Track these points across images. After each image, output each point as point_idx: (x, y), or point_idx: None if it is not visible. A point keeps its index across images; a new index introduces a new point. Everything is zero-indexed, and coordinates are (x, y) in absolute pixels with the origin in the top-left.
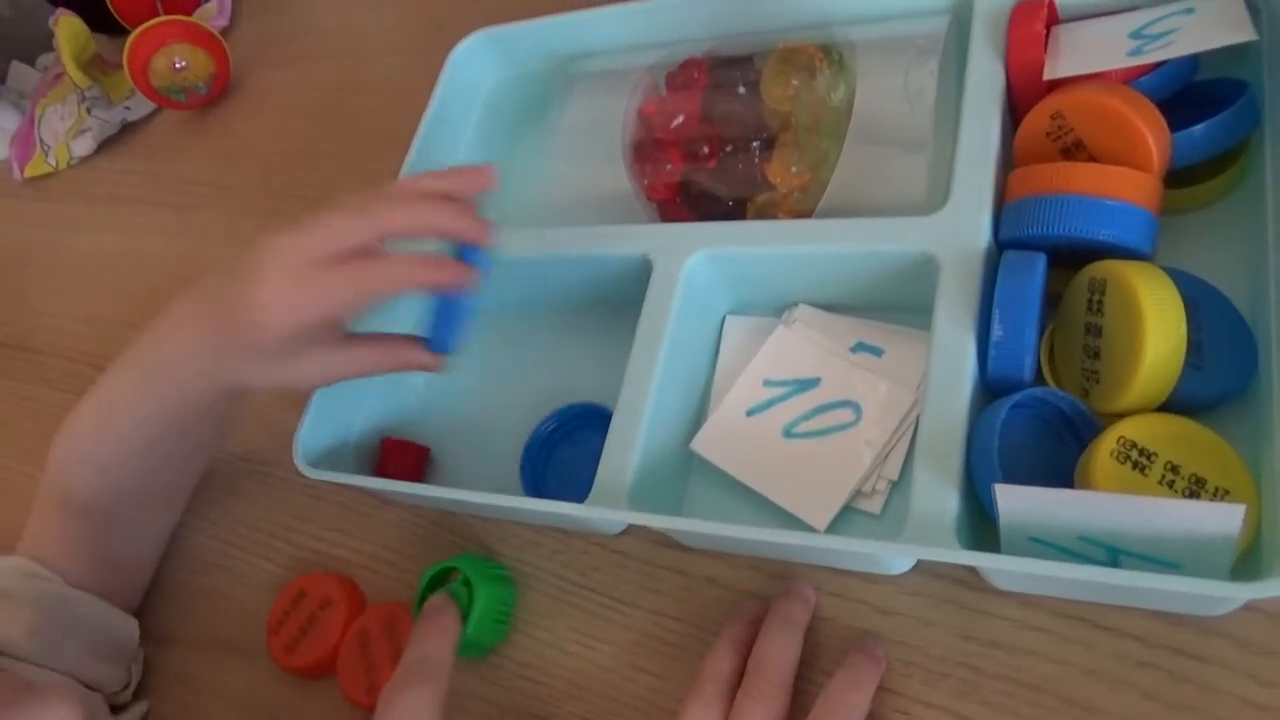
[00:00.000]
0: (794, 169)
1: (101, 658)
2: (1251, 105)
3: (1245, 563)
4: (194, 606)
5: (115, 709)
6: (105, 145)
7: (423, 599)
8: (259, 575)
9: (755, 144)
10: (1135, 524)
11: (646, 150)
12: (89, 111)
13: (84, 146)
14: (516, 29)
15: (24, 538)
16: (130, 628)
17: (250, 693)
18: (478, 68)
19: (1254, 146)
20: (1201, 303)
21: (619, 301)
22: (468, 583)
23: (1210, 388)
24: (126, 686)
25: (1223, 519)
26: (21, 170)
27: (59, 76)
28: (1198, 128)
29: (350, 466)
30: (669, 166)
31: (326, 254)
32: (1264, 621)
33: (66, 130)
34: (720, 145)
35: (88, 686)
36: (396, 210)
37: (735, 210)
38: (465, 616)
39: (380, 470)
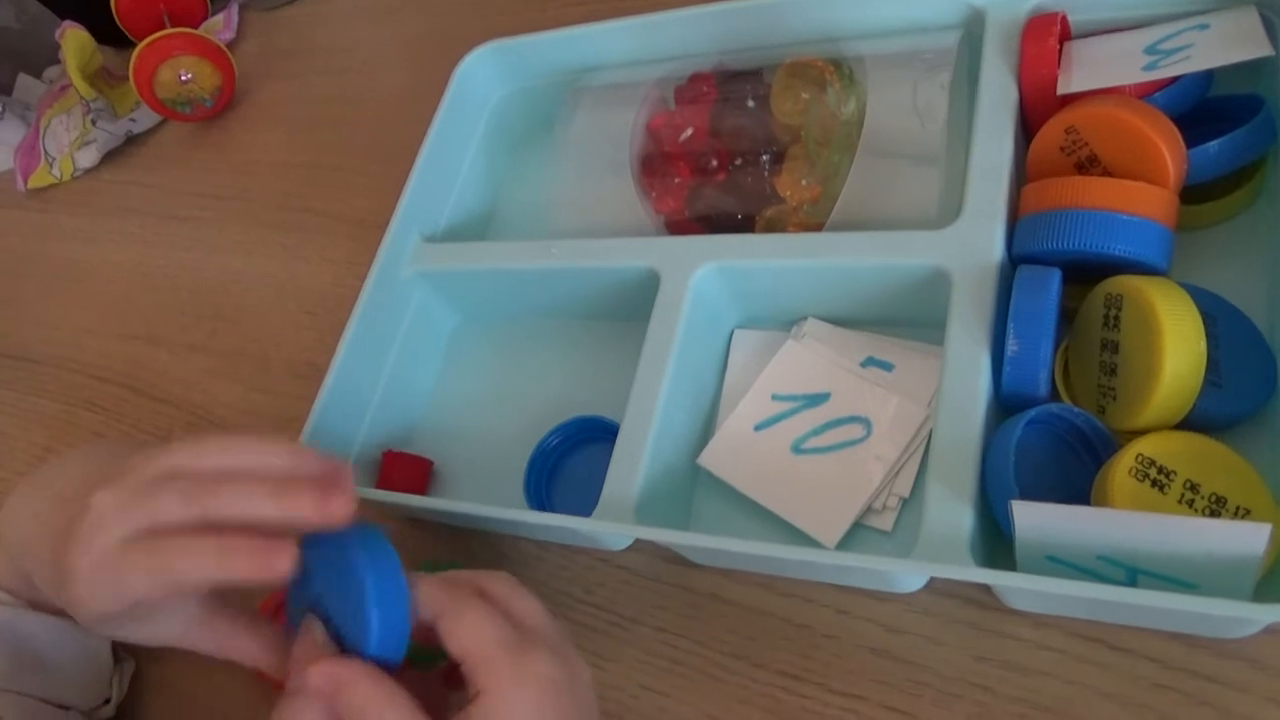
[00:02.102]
0: (804, 182)
1: (71, 677)
2: (1268, 122)
3: (1265, 585)
4: None
5: None
6: (110, 157)
7: None
8: (257, 591)
9: (764, 157)
10: (1157, 543)
11: (655, 164)
12: (94, 123)
13: (88, 158)
14: (524, 42)
15: None
16: (100, 646)
17: (239, 705)
18: (484, 80)
19: (1270, 162)
20: (1219, 320)
21: (626, 314)
22: None
23: (1229, 406)
24: (107, 701)
25: (1248, 539)
26: (25, 181)
27: (65, 88)
28: (1213, 144)
29: (352, 480)
30: (677, 180)
31: (139, 532)
32: None
33: (71, 142)
34: (729, 159)
35: (61, 706)
36: (229, 497)
37: (744, 224)
38: None
39: (382, 484)
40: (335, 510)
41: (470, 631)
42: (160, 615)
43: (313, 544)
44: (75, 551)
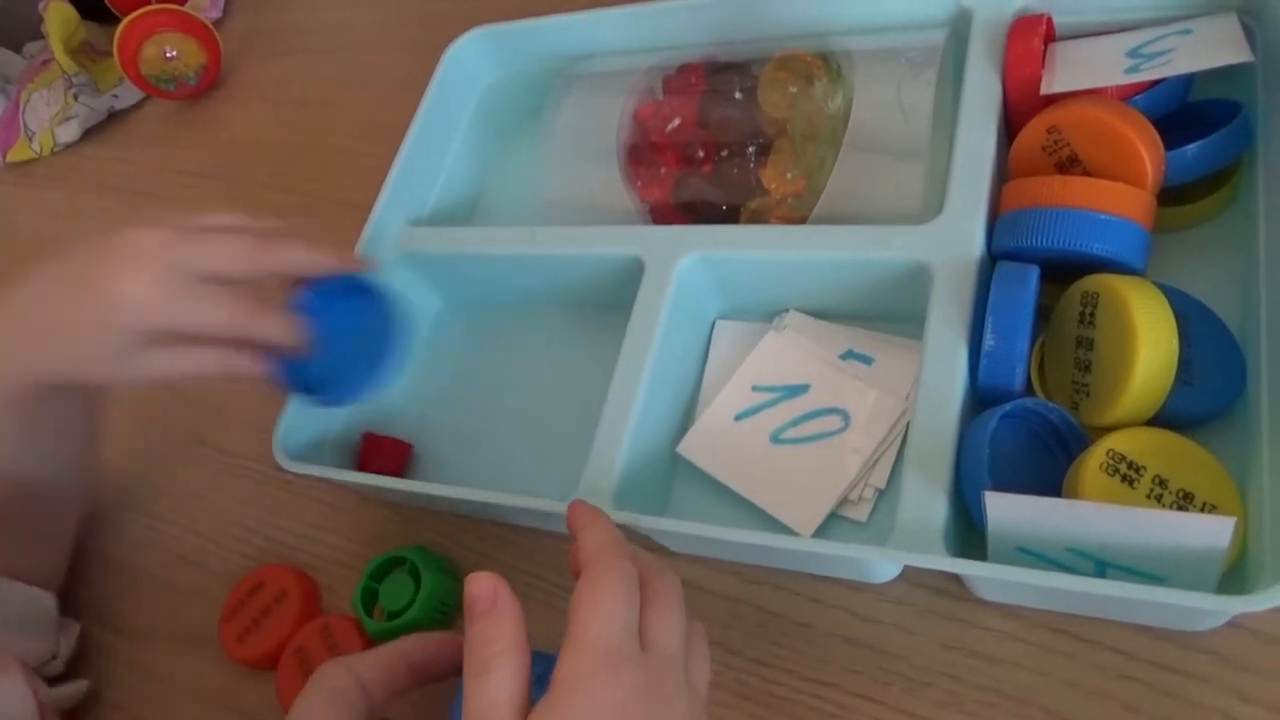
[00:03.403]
0: (789, 175)
1: (15, 635)
2: (1245, 126)
3: (1229, 580)
4: (165, 600)
5: (51, 681)
6: (91, 133)
7: (365, 587)
8: (232, 571)
9: (751, 149)
10: (1125, 535)
11: (641, 153)
12: (76, 98)
13: (69, 133)
14: (514, 27)
15: None
16: (46, 601)
17: (215, 686)
18: (474, 65)
19: (1246, 167)
20: (1192, 319)
21: (610, 302)
22: (415, 572)
23: (1199, 404)
24: (55, 658)
25: (1213, 532)
26: (3, 155)
27: (46, 62)
28: (1191, 147)
29: (330, 461)
30: (663, 170)
31: (210, 271)
32: (1247, 638)
33: (52, 116)
34: (715, 150)
35: None
36: (278, 252)
37: (729, 215)
38: (410, 604)
39: (361, 466)
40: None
41: (586, 608)
42: (146, 351)
43: None
44: (123, 274)
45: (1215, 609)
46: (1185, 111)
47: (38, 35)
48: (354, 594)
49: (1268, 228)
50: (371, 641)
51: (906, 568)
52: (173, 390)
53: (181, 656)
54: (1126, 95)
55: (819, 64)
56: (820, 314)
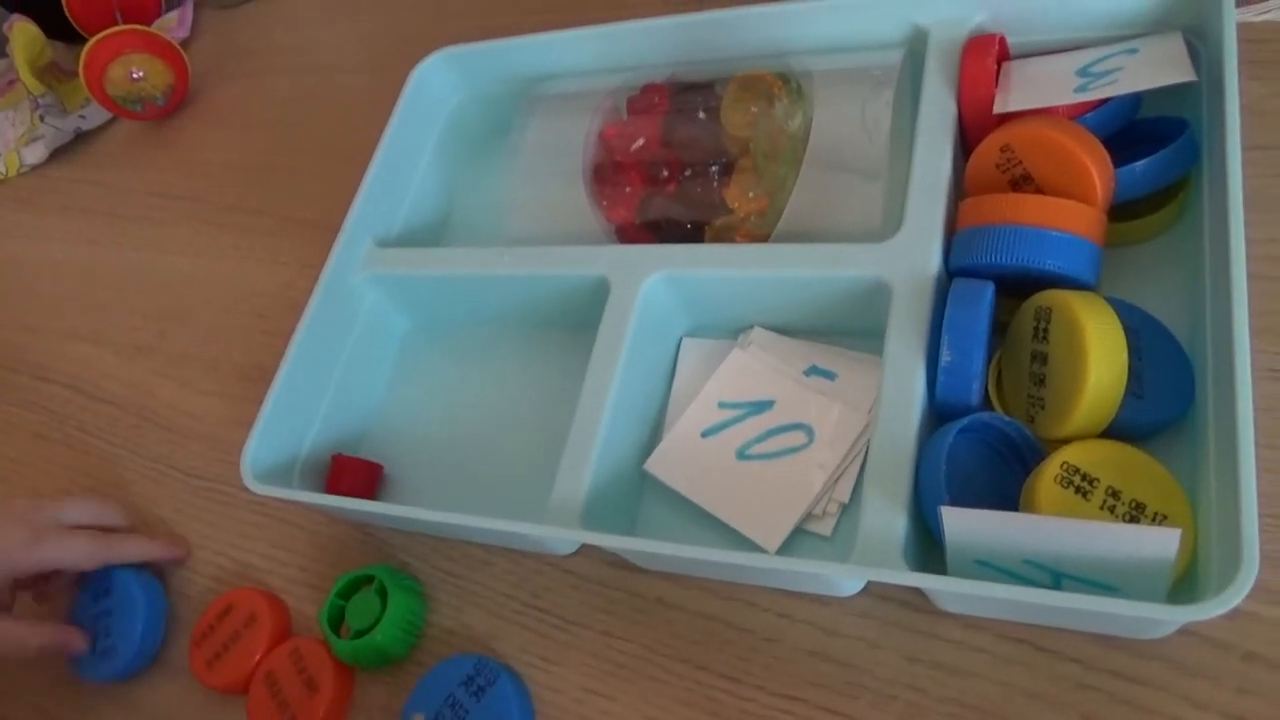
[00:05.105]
0: (752, 194)
1: None
2: (1191, 143)
3: (1182, 587)
4: None
5: None
6: (58, 154)
7: (332, 604)
8: (201, 595)
9: (714, 168)
10: (1077, 547)
11: (606, 173)
12: (42, 119)
13: (35, 154)
14: (480, 49)
15: None
16: None
17: (185, 713)
18: (440, 86)
19: (1193, 183)
20: (1142, 332)
21: (577, 321)
22: (382, 590)
23: (1150, 415)
24: None
25: (1160, 543)
26: None
27: (12, 83)
28: (1139, 164)
29: (299, 483)
30: (628, 189)
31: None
32: (1198, 645)
33: (18, 137)
34: (680, 169)
35: None
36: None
37: (694, 233)
38: (376, 623)
39: (331, 488)
40: None
41: None
42: None
43: None
44: None
45: (1163, 619)
46: (1134, 129)
47: (2, 54)
48: (320, 611)
49: (1214, 242)
50: (339, 660)
51: (870, 581)
52: (141, 415)
53: (150, 682)
54: (1076, 114)
55: (780, 84)
56: (784, 330)
